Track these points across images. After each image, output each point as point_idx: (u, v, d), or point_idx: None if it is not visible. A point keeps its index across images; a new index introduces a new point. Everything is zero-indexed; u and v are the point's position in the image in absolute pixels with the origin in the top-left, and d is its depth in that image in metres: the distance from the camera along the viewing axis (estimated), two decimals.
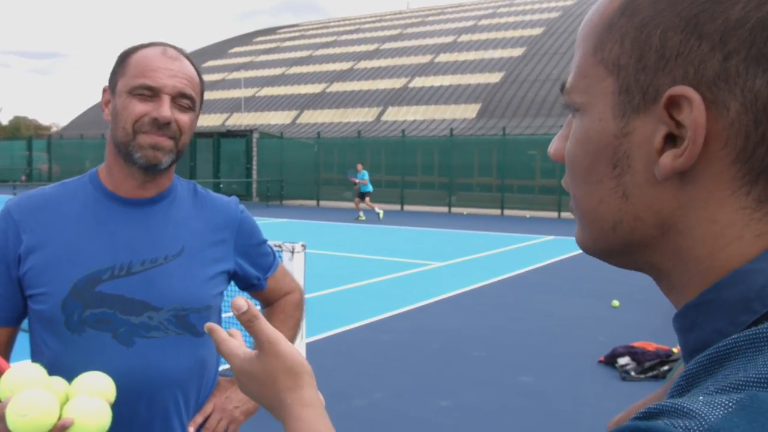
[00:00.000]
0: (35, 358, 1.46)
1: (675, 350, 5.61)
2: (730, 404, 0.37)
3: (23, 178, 35.24)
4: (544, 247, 13.48)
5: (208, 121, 38.09)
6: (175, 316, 1.45)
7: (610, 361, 5.63)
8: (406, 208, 24.43)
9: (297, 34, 54.26)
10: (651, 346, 5.70)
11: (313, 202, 26.54)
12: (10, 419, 1.17)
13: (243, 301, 0.76)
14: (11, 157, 38.11)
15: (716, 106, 0.44)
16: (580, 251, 0.58)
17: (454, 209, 23.67)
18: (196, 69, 1.49)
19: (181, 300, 1.45)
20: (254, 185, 27.46)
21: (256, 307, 0.78)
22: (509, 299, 8.34)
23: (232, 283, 1.66)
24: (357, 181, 19.51)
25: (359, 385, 5.06)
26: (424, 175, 25.76)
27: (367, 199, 19.41)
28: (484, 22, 42.08)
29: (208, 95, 39.09)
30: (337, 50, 44.41)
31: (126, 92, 1.40)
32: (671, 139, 0.46)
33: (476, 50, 37.02)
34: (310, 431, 0.73)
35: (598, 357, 5.79)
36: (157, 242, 1.47)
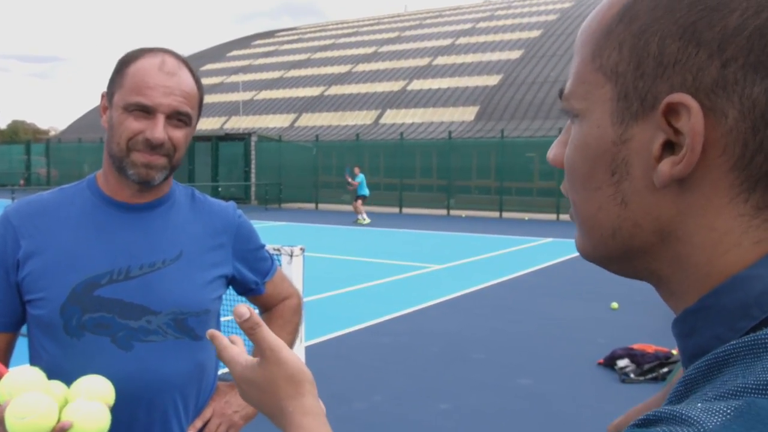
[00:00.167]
0: (34, 363, 1.45)
1: (674, 352, 5.61)
2: (729, 411, 0.37)
3: (22, 182, 35.24)
4: (543, 250, 13.48)
5: (206, 124, 38.08)
6: (174, 320, 1.45)
7: (610, 363, 5.63)
8: (405, 210, 24.43)
9: (295, 37, 54.28)
10: (650, 348, 5.70)
11: (312, 205, 26.53)
12: (9, 422, 1.17)
13: (245, 308, 0.76)
14: (10, 161, 38.09)
15: (714, 113, 0.44)
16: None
17: (452, 212, 23.66)
18: (195, 78, 1.47)
19: (179, 304, 1.45)
20: (253, 188, 27.45)
21: (258, 315, 0.78)
22: (508, 302, 8.34)
23: (231, 288, 1.66)
24: (350, 180, 19.53)
25: (358, 388, 5.06)
26: (422, 177, 25.76)
27: (360, 201, 19.38)
28: (481, 24, 42.12)
29: (206, 99, 38.87)
30: (336, 53, 44.43)
31: (122, 107, 1.39)
32: (669, 146, 0.46)
33: (474, 53, 37.05)
34: None
35: (597, 359, 5.79)
36: (156, 247, 1.47)
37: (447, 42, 40.28)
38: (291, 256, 4.79)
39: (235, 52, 52.79)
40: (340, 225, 18.88)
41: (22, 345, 1.49)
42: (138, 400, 1.42)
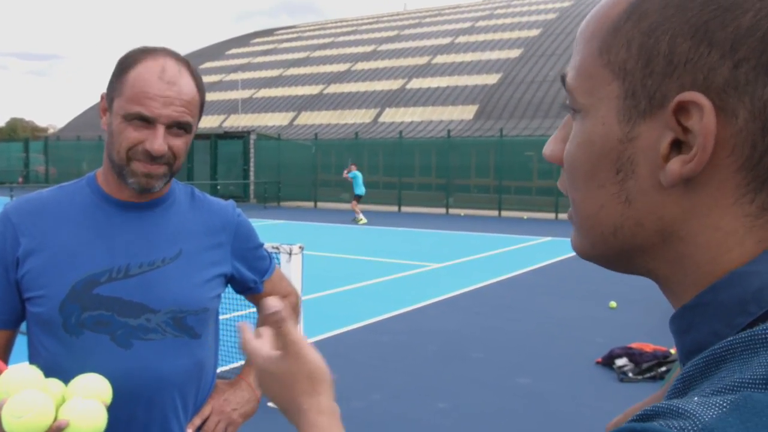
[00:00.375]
0: (33, 360, 1.45)
1: (672, 351, 5.62)
2: (725, 404, 0.37)
3: (20, 179, 35.20)
4: (542, 249, 13.49)
5: (205, 122, 38.03)
6: (173, 319, 1.45)
7: (608, 362, 5.64)
8: (404, 209, 24.44)
9: (294, 35, 54.27)
10: (648, 347, 5.71)
11: (311, 204, 26.54)
12: (6, 421, 1.17)
13: (276, 301, 0.78)
14: (8, 158, 38.06)
15: (725, 113, 0.44)
16: None
17: (451, 210, 23.68)
18: (196, 81, 1.44)
19: (178, 302, 1.46)
20: (252, 187, 27.44)
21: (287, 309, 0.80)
22: (507, 300, 8.35)
23: (230, 286, 1.66)
24: (345, 173, 19.57)
25: (357, 386, 5.06)
26: (421, 176, 25.76)
27: (354, 201, 19.36)
28: (481, 23, 42.12)
29: (206, 97, 38.81)
30: (335, 52, 44.42)
31: (121, 116, 1.38)
32: (676, 146, 0.46)
33: (473, 51, 37.06)
34: None
35: (595, 358, 5.79)
36: (155, 245, 1.47)
37: (446, 41, 40.29)
38: (290, 254, 4.79)
39: (234, 51, 52.78)
40: (339, 223, 18.89)
41: (21, 343, 1.49)
42: (137, 398, 1.42)
